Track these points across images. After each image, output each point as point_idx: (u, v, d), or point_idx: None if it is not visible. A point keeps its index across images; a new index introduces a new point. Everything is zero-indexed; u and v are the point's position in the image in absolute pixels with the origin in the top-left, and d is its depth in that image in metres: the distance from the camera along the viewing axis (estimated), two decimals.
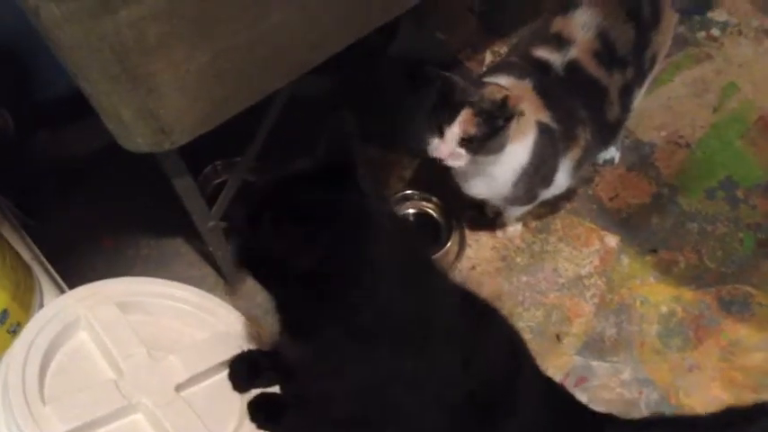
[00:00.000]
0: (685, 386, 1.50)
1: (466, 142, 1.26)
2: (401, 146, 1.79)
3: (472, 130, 1.25)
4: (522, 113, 1.30)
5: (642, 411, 1.47)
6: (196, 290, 1.19)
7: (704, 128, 1.79)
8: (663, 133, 1.79)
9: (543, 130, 1.36)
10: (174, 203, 1.36)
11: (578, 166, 1.47)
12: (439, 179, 1.73)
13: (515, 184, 1.40)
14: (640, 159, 1.75)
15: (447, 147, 1.27)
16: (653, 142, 1.78)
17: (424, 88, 1.83)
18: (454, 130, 1.26)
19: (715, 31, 1.91)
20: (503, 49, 1.89)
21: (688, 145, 1.77)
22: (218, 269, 1.63)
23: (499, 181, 1.39)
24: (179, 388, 1.11)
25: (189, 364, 1.12)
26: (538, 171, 1.40)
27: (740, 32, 1.91)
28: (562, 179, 1.47)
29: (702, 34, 1.91)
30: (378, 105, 1.84)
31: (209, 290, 1.62)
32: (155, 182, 1.35)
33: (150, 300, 1.17)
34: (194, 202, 1.39)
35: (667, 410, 1.47)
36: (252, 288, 1.63)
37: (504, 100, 1.26)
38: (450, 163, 1.29)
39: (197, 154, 1.20)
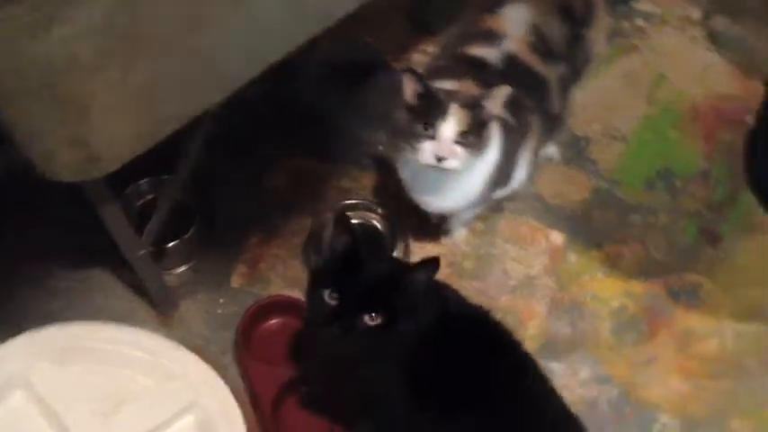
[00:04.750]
0: (644, 380, 1.49)
1: (461, 138, 1.24)
2: (334, 155, 1.71)
3: (465, 124, 1.24)
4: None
5: (604, 410, 1.46)
6: (146, 332, 1.09)
7: (638, 119, 1.79)
8: (597, 126, 1.78)
9: (502, 124, 1.34)
10: (96, 229, 1.26)
11: (534, 156, 1.47)
12: (380, 188, 1.67)
13: (484, 187, 1.37)
14: (577, 154, 1.74)
15: (446, 144, 1.23)
16: (588, 136, 1.77)
17: (354, 91, 1.78)
18: (450, 126, 1.23)
19: (639, 21, 1.92)
20: (430, 48, 1.84)
21: (623, 137, 1.77)
22: (148, 299, 1.51)
23: (472, 185, 1.37)
24: None
25: (142, 416, 1.03)
26: (504, 168, 1.38)
27: (664, 21, 1.92)
28: (521, 173, 1.47)
29: (626, 24, 1.91)
30: (305, 114, 1.76)
31: (142, 323, 1.51)
32: (71, 205, 1.26)
33: (95, 346, 1.06)
34: (122, 230, 1.29)
35: (628, 407, 1.45)
36: (185, 315, 1.53)
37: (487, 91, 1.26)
38: (449, 164, 1.25)
39: (116, 172, 1.09)
